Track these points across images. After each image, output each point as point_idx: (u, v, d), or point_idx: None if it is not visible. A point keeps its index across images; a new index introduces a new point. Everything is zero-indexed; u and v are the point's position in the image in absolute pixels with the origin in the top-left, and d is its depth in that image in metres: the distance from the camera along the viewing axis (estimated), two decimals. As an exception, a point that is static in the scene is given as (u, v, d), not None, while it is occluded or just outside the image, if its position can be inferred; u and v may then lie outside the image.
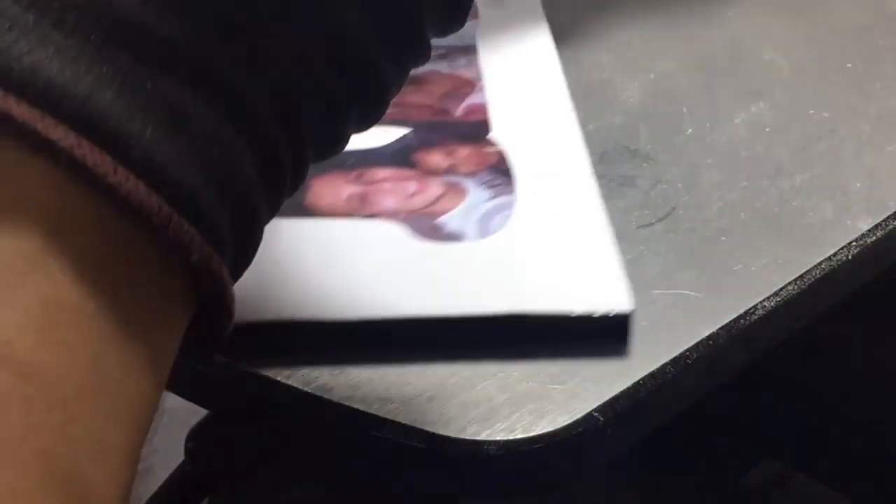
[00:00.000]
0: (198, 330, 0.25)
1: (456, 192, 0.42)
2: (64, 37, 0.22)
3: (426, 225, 0.41)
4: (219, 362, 0.36)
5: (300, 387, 0.36)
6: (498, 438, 0.35)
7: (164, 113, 0.22)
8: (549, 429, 0.35)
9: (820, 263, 0.41)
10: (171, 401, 0.35)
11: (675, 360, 0.37)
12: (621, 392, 0.36)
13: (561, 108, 0.47)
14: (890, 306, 0.75)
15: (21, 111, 0.21)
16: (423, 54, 0.30)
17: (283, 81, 0.25)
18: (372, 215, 0.41)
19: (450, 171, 0.44)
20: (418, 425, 0.35)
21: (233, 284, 0.25)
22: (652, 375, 0.37)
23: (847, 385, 0.85)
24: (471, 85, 0.49)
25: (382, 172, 0.43)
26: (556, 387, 0.36)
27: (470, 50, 0.51)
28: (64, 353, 0.21)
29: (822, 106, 0.50)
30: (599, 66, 0.53)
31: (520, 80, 0.50)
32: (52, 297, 0.21)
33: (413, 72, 0.31)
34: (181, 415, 0.61)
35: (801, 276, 0.41)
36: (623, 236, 0.41)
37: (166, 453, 0.77)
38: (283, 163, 0.26)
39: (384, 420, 0.35)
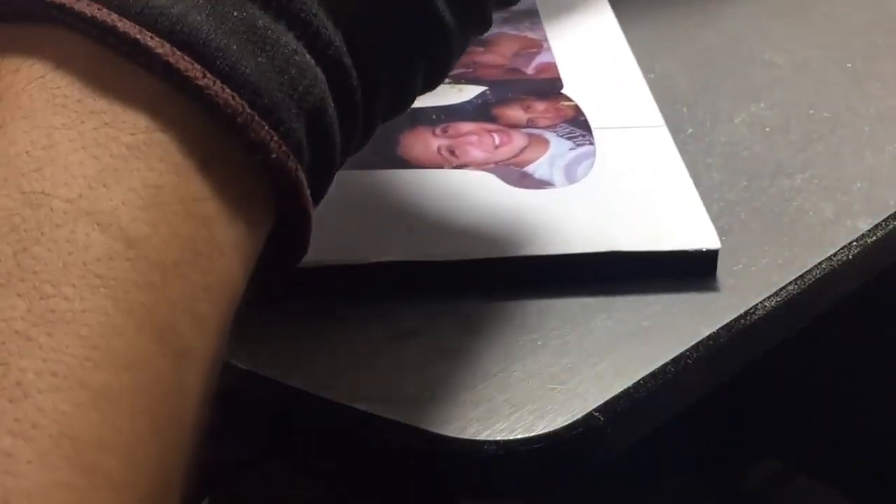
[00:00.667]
0: (276, 249, 0.28)
1: (539, 142, 0.45)
2: None
3: (515, 173, 0.43)
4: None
5: (300, 387, 0.36)
6: (498, 438, 0.35)
7: (248, 36, 0.26)
8: (549, 429, 0.35)
9: (820, 263, 0.41)
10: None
11: (674, 360, 0.37)
12: (621, 392, 0.36)
13: (625, 63, 0.50)
14: (890, 306, 0.75)
15: (123, 25, 0.25)
16: (485, 24, 0.33)
17: (357, 24, 0.29)
18: (462, 166, 0.44)
19: (530, 124, 0.46)
20: (418, 425, 0.35)
21: (311, 199, 0.28)
22: (652, 375, 0.37)
23: (847, 385, 0.85)
24: (538, 45, 0.52)
25: (467, 126, 0.46)
26: (556, 387, 0.36)
27: (532, 13, 0.54)
28: (162, 227, 0.24)
29: (822, 106, 0.50)
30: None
31: (583, 38, 0.52)
32: (152, 181, 0.24)
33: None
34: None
35: (801, 276, 0.41)
36: (623, 236, 0.41)
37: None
38: (354, 94, 0.29)
39: (384, 420, 0.35)
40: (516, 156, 0.44)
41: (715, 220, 0.43)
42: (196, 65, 0.25)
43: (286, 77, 0.27)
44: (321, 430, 0.37)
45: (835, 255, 0.42)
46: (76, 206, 0.23)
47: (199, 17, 0.25)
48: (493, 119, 0.47)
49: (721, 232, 0.42)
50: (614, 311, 0.39)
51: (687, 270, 0.40)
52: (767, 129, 0.49)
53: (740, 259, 0.41)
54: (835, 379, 0.85)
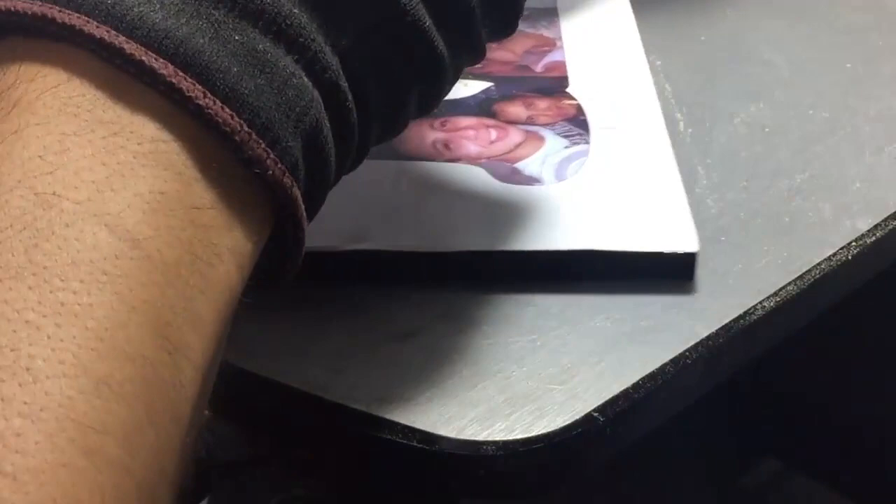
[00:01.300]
0: (273, 255, 0.30)
1: (534, 139, 0.45)
2: None
3: (506, 168, 0.44)
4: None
5: (300, 387, 0.36)
6: (497, 438, 0.35)
7: (249, 58, 0.27)
8: (549, 429, 0.35)
9: (820, 263, 0.41)
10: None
11: (675, 360, 0.37)
12: (620, 392, 0.36)
13: (637, 66, 0.50)
14: (890, 306, 0.75)
15: (130, 47, 0.26)
16: (479, 54, 0.34)
17: (353, 51, 0.30)
18: (455, 159, 0.44)
19: (529, 121, 0.47)
20: (418, 425, 0.35)
21: (305, 212, 0.29)
22: (651, 376, 0.37)
23: (847, 385, 0.85)
24: (551, 43, 0.52)
25: (466, 121, 0.47)
26: (555, 387, 0.36)
27: (551, 12, 0.54)
28: (164, 230, 0.25)
29: (822, 106, 0.50)
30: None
31: (598, 39, 0.52)
32: (156, 188, 0.26)
33: None
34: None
35: (801, 276, 0.41)
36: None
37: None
38: (350, 117, 0.30)
39: (384, 420, 0.35)
40: (510, 151, 0.45)
41: (714, 220, 0.43)
42: (198, 85, 0.26)
43: (284, 98, 0.28)
44: (320, 430, 0.37)
45: (834, 255, 0.42)
46: (85, 208, 0.25)
47: (202, 41, 0.27)
48: (493, 115, 0.47)
49: (720, 232, 0.42)
50: (614, 311, 0.39)
51: (664, 273, 0.40)
52: (767, 130, 0.49)
53: (740, 259, 0.41)
54: (835, 379, 0.85)
